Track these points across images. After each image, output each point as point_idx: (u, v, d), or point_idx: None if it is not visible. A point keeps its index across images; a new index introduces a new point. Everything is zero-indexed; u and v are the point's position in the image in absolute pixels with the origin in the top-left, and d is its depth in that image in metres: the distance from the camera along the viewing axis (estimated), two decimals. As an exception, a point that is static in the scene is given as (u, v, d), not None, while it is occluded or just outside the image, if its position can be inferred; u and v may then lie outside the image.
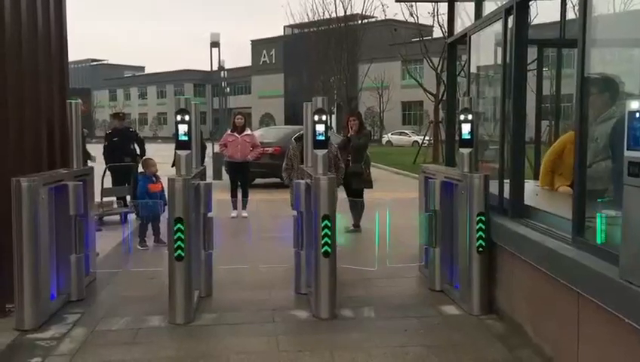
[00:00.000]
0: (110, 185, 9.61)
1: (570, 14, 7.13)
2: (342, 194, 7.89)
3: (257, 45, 70.09)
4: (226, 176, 11.50)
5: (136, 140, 10.52)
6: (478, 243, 4.93)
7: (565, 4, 7.01)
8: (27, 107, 5.22)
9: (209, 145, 17.44)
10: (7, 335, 4.43)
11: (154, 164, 8.10)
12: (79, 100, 5.64)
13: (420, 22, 26.18)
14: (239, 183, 10.57)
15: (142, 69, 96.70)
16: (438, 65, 23.30)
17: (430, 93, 24.89)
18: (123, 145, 10.03)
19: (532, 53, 6.69)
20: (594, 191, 4.00)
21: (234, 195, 10.46)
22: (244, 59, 77.83)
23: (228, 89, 49.48)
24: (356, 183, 8.57)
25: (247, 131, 10.71)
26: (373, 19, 40.06)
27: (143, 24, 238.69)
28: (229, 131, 10.80)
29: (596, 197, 3.99)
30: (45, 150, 5.49)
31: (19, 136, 5.11)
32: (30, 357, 4.08)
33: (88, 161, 7.91)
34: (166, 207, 4.95)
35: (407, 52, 28.01)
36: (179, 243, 4.67)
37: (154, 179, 7.90)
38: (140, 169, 8.73)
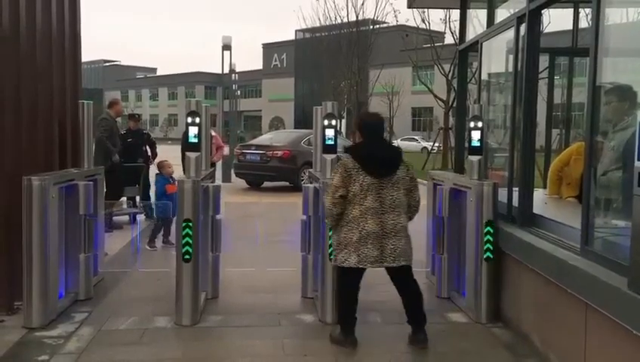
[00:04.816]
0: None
1: (583, 23, 7.12)
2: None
3: (269, 49, 70.33)
4: (234, 179, 11.51)
5: (148, 142, 10.58)
6: (486, 252, 4.91)
7: (578, 13, 7.00)
8: (40, 107, 5.27)
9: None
10: (16, 333, 4.47)
11: (170, 165, 8.14)
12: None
13: (431, 28, 26.13)
14: None
15: (154, 70, 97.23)
16: (449, 72, 23.22)
17: (440, 100, 24.83)
18: (136, 146, 10.10)
19: (544, 61, 6.68)
20: (605, 200, 3.98)
21: None
22: (256, 63, 78.08)
23: (239, 92, 49.46)
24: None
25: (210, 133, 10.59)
26: (385, 25, 39.98)
27: (156, 26, 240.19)
28: None
29: (607, 206, 3.96)
30: (57, 150, 5.54)
31: (31, 136, 5.16)
32: (38, 354, 4.11)
33: None
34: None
35: (418, 58, 27.96)
36: (187, 246, 4.68)
37: (170, 180, 7.91)
38: (151, 170, 8.76)
